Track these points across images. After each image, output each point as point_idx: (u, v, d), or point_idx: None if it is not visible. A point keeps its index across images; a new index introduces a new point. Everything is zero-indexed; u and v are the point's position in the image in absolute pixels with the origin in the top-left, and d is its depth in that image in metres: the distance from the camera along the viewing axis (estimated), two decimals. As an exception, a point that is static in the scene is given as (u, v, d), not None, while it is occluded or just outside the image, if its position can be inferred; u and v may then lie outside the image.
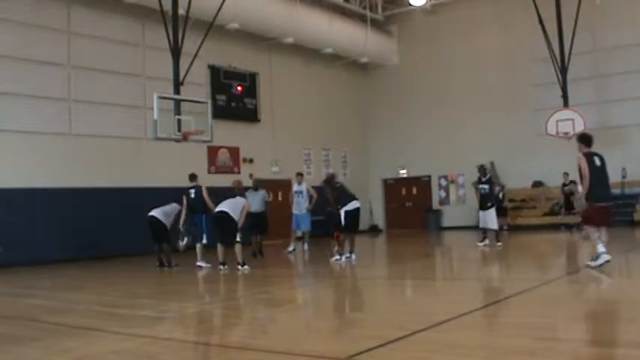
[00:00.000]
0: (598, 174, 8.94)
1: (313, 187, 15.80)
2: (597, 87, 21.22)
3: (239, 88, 20.44)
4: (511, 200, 21.17)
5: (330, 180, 13.00)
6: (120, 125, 16.96)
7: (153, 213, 12.92)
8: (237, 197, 11.80)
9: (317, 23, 21.53)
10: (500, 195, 17.92)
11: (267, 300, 8.33)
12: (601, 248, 8.62)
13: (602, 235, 8.90)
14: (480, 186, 14.41)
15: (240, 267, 11.22)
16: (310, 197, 15.45)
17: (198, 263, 12.26)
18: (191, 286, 10.64)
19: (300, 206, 15.41)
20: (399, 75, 25.14)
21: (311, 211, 15.52)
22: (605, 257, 8.55)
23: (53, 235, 15.16)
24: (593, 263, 8.70)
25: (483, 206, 14.28)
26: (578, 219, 18.71)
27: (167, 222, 12.86)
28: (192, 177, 12.99)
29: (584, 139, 9.12)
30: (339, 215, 12.26)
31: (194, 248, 12.70)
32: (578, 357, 4.38)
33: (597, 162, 8.98)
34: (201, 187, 12.76)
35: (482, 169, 14.57)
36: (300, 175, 15.93)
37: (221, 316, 7.16)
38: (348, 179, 22.61)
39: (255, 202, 13.94)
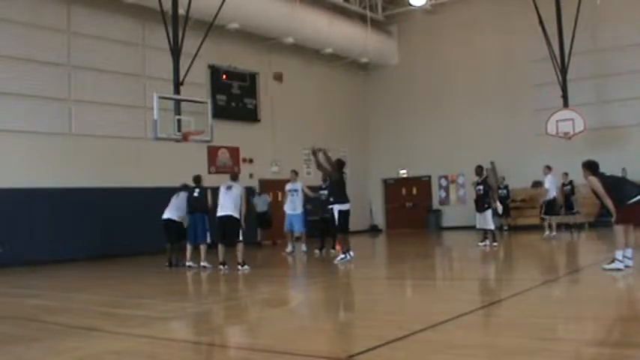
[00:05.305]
0: (614, 180, 9.00)
1: (309, 187, 15.41)
2: (597, 87, 21.22)
3: None
4: (511, 200, 21.16)
5: (343, 165, 12.74)
6: (120, 125, 16.95)
7: (167, 215, 12.89)
8: (233, 188, 11.50)
9: (317, 23, 21.52)
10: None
11: (267, 300, 8.34)
12: (619, 255, 8.52)
13: (630, 237, 8.75)
14: (476, 187, 14.42)
15: (240, 267, 11.23)
16: (305, 196, 14.99)
17: (202, 264, 12.26)
18: (191, 286, 10.65)
19: (294, 205, 14.83)
20: (399, 75, 25.13)
21: (305, 212, 14.99)
22: (619, 265, 8.47)
23: (53, 235, 15.14)
24: (607, 266, 8.66)
25: (479, 207, 14.26)
26: (577, 219, 18.91)
27: (182, 218, 12.84)
28: (197, 179, 12.98)
29: (591, 166, 8.92)
30: (332, 213, 12.15)
31: (184, 248, 12.71)
32: (578, 357, 4.38)
33: (607, 174, 9.03)
34: (206, 188, 12.75)
35: (478, 170, 14.54)
36: (294, 172, 15.37)
37: (221, 316, 7.16)
38: (348, 179, 22.60)
39: (259, 203, 18.18)
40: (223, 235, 11.40)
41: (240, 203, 11.36)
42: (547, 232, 16.62)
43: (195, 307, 7.83)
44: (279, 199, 20.12)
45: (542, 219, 17.19)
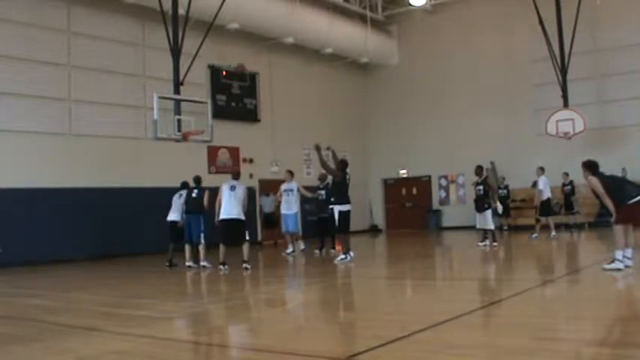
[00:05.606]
0: (614, 180, 8.99)
1: (305, 187, 15.34)
2: (597, 87, 21.23)
3: None
4: (511, 200, 21.16)
5: (347, 166, 12.61)
6: (120, 125, 16.96)
7: (173, 217, 12.88)
8: (237, 188, 11.39)
9: (317, 23, 21.53)
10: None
11: (267, 300, 8.34)
12: (619, 255, 8.51)
13: (630, 237, 8.72)
14: (476, 187, 14.43)
15: (244, 264, 11.21)
16: (302, 196, 14.90)
17: (202, 263, 12.25)
18: (191, 286, 10.65)
19: (290, 205, 14.62)
20: (399, 75, 25.14)
21: (301, 212, 14.98)
22: (619, 265, 8.45)
23: (53, 235, 15.14)
24: (607, 266, 8.65)
25: (479, 207, 14.26)
26: (577, 219, 18.91)
27: (184, 218, 12.86)
28: (197, 180, 12.95)
29: (591, 166, 8.88)
30: (333, 214, 12.13)
31: (182, 249, 12.70)
32: (578, 357, 4.38)
33: (607, 174, 9.02)
34: (204, 189, 12.73)
35: (478, 170, 14.55)
36: (290, 172, 15.04)
37: (221, 316, 7.16)
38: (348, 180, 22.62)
39: (266, 204, 18.39)
40: (227, 236, 11.35)
41: (244, 203, 11.34)
42: (536, 234, 16.66)
43: (195, 307, 7.83)
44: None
45: (538, 220, 17.22)
